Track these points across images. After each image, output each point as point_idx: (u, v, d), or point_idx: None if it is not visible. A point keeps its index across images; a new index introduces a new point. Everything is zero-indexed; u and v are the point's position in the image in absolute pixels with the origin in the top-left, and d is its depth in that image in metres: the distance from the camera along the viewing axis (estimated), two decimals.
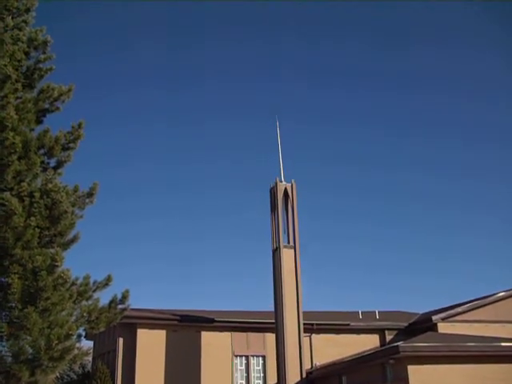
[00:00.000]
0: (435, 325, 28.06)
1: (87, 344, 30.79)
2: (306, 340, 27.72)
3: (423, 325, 28.92)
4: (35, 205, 11.99)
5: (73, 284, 13.21)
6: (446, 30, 75.86)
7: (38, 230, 11.91)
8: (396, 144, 79.35)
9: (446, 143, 75.51)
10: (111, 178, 73.19)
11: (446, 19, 74.13)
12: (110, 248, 78.51)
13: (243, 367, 28.73)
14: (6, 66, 12.74)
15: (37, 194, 12.16)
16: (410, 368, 20.49)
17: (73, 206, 13.49)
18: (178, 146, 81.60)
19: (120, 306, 14.25)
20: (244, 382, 28.47)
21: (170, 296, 73.04)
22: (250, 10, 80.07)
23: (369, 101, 78.78)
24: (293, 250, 27.31)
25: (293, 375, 25.48)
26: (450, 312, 28.70)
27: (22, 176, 12.59)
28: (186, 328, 28.37)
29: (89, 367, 31.63)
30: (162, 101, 79.25)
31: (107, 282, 14.19)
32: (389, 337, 30.08)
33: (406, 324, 30.46)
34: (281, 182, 28.40)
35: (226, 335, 28.79)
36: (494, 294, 29.21)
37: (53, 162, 14.23)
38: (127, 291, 14.30)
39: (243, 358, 28.85)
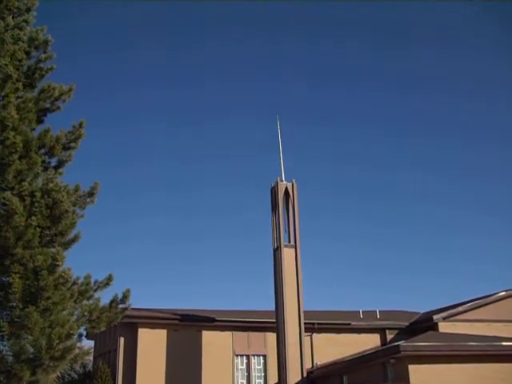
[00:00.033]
0: (436, 324, 28.06)
1: (88, 343, 30.79)
2: (306, 339, 27.71)
3: (424, 324, 28.93)
4: (36, 204, 11.99)
5: (74, 283, 13.22)
6: (446, 29, 75.97)
7: (38, 230, 11.91)
8: (396, 144, 79.49)
9: (446, 143, 75.62)
10: (112, 177, 73.36)
11: (446, 19, 74.22)
12: (111, 247, 78.56)
13: (244, 366, 28.73)
14: (6, 65, 12.74)
15: (38, 194, 12.16)
16: (411, 367, 20.49)
17: (74, 205, 13.49)
18: (178, 146, 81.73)
19: (121, 306, 14.25)
20: (245, 381, 28.48)
21: (171, 295, 73.14)
22: (250, 10, 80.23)
23: (369, 101, 78.90)
24: (293, 250, 27.31)
25: (294, 374, 25.48)
26: (451, 311, 28.70)
27: (23, 175, 12.59)
28: (186, 327, 28.38)
29: (90, 367, 31.64)
30: (162, 101, 79.37)
31: (108, 281, 14.19)
32: (390, 336, 30.08)
33: (406, 323, 30.46)
34: (281, 181, 28.39)
35: (227, 334, 28.79)
36: (495, 294, 29.20)
37: (54, 162, 14.23)
38: (128, 291, 14.30)
39: (244, 357, 28.86)
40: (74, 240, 13.73)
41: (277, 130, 29.80)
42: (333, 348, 28.78)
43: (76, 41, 70.08)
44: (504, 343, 22.05)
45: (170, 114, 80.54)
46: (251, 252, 79.78)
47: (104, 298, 14.12)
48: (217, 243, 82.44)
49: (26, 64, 14.06)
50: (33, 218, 11.76)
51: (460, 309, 28.76)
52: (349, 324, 30.11)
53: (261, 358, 28.98)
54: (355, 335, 30.04)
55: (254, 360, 28.90)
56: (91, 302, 13.83)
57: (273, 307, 27.33)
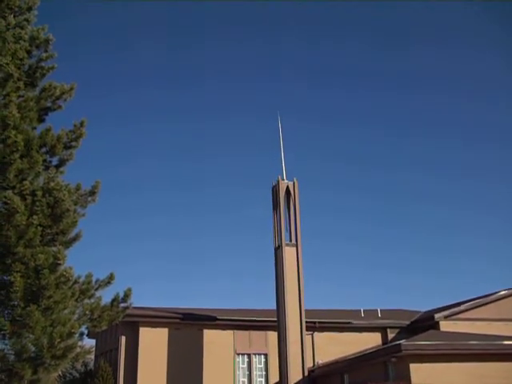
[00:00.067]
0: (437, 323, 28.05)
1: (89, 342, 30.86)
2: (308, 338, 27.72)
3: (425, 323, 28.93)
4: (37, 203, 12.00)
5: (75, 282, 13.24)
6: (446, 29, 75.85)
7: (40, 229, 11.92)
8: (396, 144, 79.42)
9: (446, 143, 75.56)
10: (113, 175, 73.29)
11: (446, 19, 74.12)
12: (112, 246, 78.56)
13: (245, 365, 28.76)
14: (8, 64, 12.75)
15: (39, 193, 12.17)
16: (412, 366, 20.48)
17: (75, 204, 13.51)
18: (180, 144, 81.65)
19: (122, 305, 14.26)
20: (246, 380, 28.50)
21: (173, 294, 73.18)
22: (250, 10, 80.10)
23: (369, 101, 78.80)
24: (295, 248, 27.32)
25: (295, 373, 25.49)
26: (452, 310, 28.70)
27: (24, 174, 12.60)
28: (188, 326, 28.41)
29: (91, 365, 31.71)
30: (162, 101, 79.35)
31: (109, 280, 14.20)
32: (391, 335, 30.11)
33: (408, 322, 30.48)
34: (283, 180, 28.40)
35: (229, 333, 28.82)
36: (497, 293, 29.20)
37: (55, 161, 14.24)
38: (129, 289, 14.31)
39: (245, 356, 28.89)
40: (75, 239, 13.75)
41: (278, 126, 29.79)
42: (334, 347, 28.79)
43: (76, 40, 70.09)
44: (505, 342, 22.03)
45: (170, 113, 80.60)
46: (253, 251, 79.87)
47: (105, 296, 14.16)
48: (218, 242, 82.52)
49: (27, 63, 14.06)
50: (34, 216, 11.78)
51: (461, 308, 28.76)
52: (350, 323, 30.13)
53: (262, 356, 29.01)
54: (356, 334, 30.05)
55: (255, 359, 28.92)
56: (92, 300, 13.85)
57: (274, 306, 27.36)
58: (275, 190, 28.52)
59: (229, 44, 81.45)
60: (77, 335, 12.35)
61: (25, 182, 12.42)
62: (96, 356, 31.84)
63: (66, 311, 12.51)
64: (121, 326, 26.53)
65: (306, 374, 25.74)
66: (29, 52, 13.98)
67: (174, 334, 28.03)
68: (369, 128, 77.47)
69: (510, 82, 73.80)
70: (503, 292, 29.17)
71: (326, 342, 29.30)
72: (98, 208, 14.56)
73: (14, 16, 14.21)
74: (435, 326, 27.97)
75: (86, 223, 14.57)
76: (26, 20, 14.42)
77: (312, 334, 29.10)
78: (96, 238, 70.92)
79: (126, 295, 14.24)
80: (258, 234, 69.73)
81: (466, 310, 28.65)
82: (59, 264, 11.55)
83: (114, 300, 14.15)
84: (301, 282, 26.78)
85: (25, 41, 13.76)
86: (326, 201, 73.98)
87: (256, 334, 29.12)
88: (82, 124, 14.36)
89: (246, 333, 29.04)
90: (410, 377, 20.27)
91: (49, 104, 14.42)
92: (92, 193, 14.24)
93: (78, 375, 30.32)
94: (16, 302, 11.90)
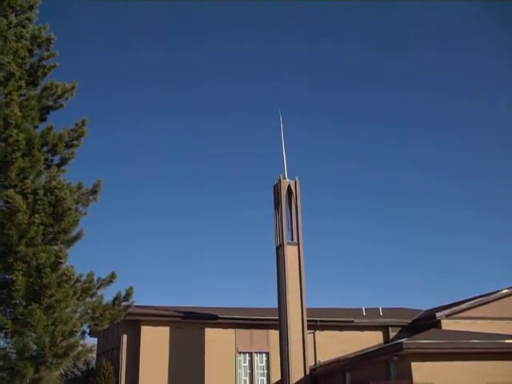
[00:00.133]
0: (439, 322, 28.04)
1: (91, 341, 30.88)
2: (309, 337, 27.72)
3: (427, 322, 28.92)
4: (39, 202, 12.01)
5: (77, 281, 13.25)
6: (446, 29, 75.82)
7: (41, 227, 11.93)
8: (396, 144, 79.49)
9: (446, 143, 75.60)
10: (114, 175, 73.40)
11: (446, 19, 74.07)
12: (113, 245, 78.76)
13: (247, 364, 28.77)
14: (9, 63, 12.76)
15: (41, 192, 12.18)
16: (414, 365, 20.46)
17: (76, 203, 13.52)
18: (180, 144, 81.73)
19: (124, 303, 14.26)
20: (248, 378, 28.52)
21: (174, 293, 73.37)
22: (250, 10, 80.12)
23: (369, 101, 78.84)
24: (296, 247, 27.29)
25: (296, 372, 25.49)
26: (453, 309, 28.67)
27: (26, 173, 12.61)
28: (189, 325, 28.43)
29: (93, 364, 31.71)
30: (162, 101, 79.39)
31: (111, 279, 14.21)
32: (392, 334, 30.10)
33: (409, 321, 30.47)
34: (284, 179, 28.38)
35: (230, 332, 28.83)
36: (498, 291, 29.17)
37: (56, 160, 14.27)
38: (131, 288, 14.30)
39: (247, 354, 28.90)
40: (76, 238, 13.76)
41: (279, 125, 29.73)
42: (336, 345, 28.80)
43: (76, 40, 70.14)
44: (507, 341, 21.99)
45: (170, 113, 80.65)
46: (253, 250, 79.99)
47: (107, 295, 14.17)
48: (218, 241, 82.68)
49: (29, 62, 14.08)
50: (36, 215, 11.79)
51: (463, 306, 28.73)
52: (352, 321, 30.11)
53: (263, 355, 29.01)
54: (358, 332, 30.05)
55: (256, 357, 28.93)
56: (94, 299, 13.86)
57: (275, 304, 27.36)
58: (277, 189, 28.50)
59: (229, 44, 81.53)
60: (78, 334, 12.37)
61: (26, 181, 12.44)
62: (98, 355, 31.85)
63: (67, 310, 12.53)
64: (122, 324, 26.57)
65: (308, 372, 25.72)
66: (30, 51, 14.00)
67: (176, 332, 28.05)
68: (369, 128, 77.59)
69: (510, 82, 73.86)
70: (505, 291, 29.14)
71: (328, 340, 29.31)
72: (98, 207, 14.58)
73: (16, 15, 14.22)
74: (437, 324, 27.95)
75: (87, 222, 14.59)
76: (28, 19, 14.43)
77: (313, 333, 29.11)
78: (97, 237, 71.14)
79: (128, 294, 14.24)
80: (259, 234, 69.81)
81: (468, 309, 28.63)
82: (61, 263, 11.58)
83: (115, 299, 14.15)
84: (302, 281, 26.77)
85: (26, 40, 13.78)
86: (326, 200, 74.15)
87: (257, 333, 29.12)
88: (83, 123, 14.37)
89: (248, 331, 29.04)
90: (411, 375, 20.25)
91: (50, 103, 14.44)
92: (93, 192, 14.24)
93: (79, 374, 30.36)
94: (18, 301, 11.91)
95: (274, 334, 27.79)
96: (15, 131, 12.04)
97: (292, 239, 27.58)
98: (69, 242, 13.46)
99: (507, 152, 71.11)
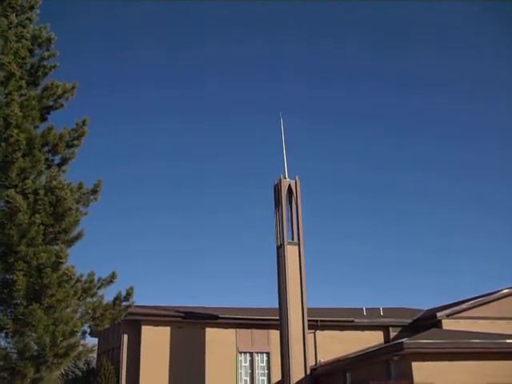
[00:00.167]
0: (439, 321, 28.04)
1: (92, 341, 30.86)
2: (310, 336, 27.69)
3: (427, 321, 28.91)
4: (40, 202, 12.02)
5: (77, 281, 13.25)
6: (446, 29, 75.75)
7: (42, 227, 11.93)
8: (396, 144, 79.42)
9: (446, 143, 75.53)
10: (114, 175, 73.33)
11: (446, 19, 74.01)
12: (113, 245, 78.66)
13: (247, 364, 28.77)
14: (10, 63, 12.77)
15: (41, 191, 12.18)
16: (414, 365, 20.46)
17: (77, 203, 13.52)
18: (180, 144, 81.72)
19: (124, 303, 14.26)
20: (248, 378, 28.52)
21: (175, 293, 73.26)
22: (250, 10, 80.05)
23: (369, 101, 78.75)
24: (297, 247, 27.28)
25: (297, 372, 25.49)
26: (454, 309, 28.66)
27: (27, 173, 12.62)
28: (190, 325, 28.43)
29: (93, 364, 31.72)
30: (162, 101, 79.36)
31: (112, 278, 14.21)
32: (393, 333, 30.09)
33: (410, 321, 30.46)
34: (285, 178, 28.38)
35: (231, 332, 28.83)
36: (499, 291, 29.16)
37: (57, 159, 14.28)
38: (132, 288, 14.30)
39: (247, 354, 28.90)
40: (77, 237, 13.76)
41: (280, 125, 29.74)
42: (336, 345, 28.79)
43: (76, 40, 70.11)
44: (507, 341, 21.98)
45: (170, 113, 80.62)
46: (254, 249, 79.91)
47: (108, 295, 14.16)
48: (218, 241, 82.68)
49: (30, 62, 14.08)
50: (36, 215, 11.79)
51: (463, 306, 28.72)
52: (352, 321, 30.11)
53: (264, 355, 29.02)
54: (358, 332, 30.05)
55: (257, 357, 28.93)
56: (95, 299, 13.85)
57: (276, 304, 27.35)
58: (277, 189, 28.50)
59: (229, 44, 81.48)
60: (79, 334, 12.37)
61: (27, 181, 12.44)
62: (98, 354, 31.87)
63: (68, 310, 12.53)
64: (123, 324, 26.56)
65: (308, 372, 25.72)
66: (31, 51, 14.00)
67: (176, 332, 28.05)
68: (369, 128, 77.52)
69: (510, 82, 73.80)
70: (506, 290, 29.13)
71: (328, 340, 29.30)
72: (98, 207, 14.58)
73: (16, 15, 14.23)
74: (437, 324, 27.95)
75: (88, 222, 14.56)
76: (28, 19, 14.44)
77: (314, 333, 29.10)
78: (97, 237, 71.10)
79: (128, 294, 14.24)
80: (259, 234, 69.78)
81: (469, 309, 28.62)
82: (61, 263, 11.58)
83: (116, 298, 14.15)
84: (303, 281, 26.76)
85: (27, 40, 13.78)
86: (326, 200, 74.06)
87: (258, 333, 29.12)
88: (84, 122, 14.38)
89: (248, 331, 29.05)
90: (412, 375, 20.25)
91: (51, 103, 14.44)
92: (94, 191, 14.24)
93: (80, 374, 30.36)
94: (18, 301, 11.92)
95: (275, 334, 27.80)
96: (16, 131, 12.04)
97: (292, 239, 27.57)
98: (69, 242, 13.46)
99: (507, 152, 71.16)
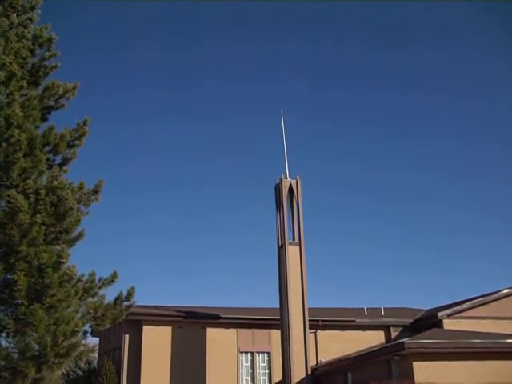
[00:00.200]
0: (441, 321, 28.04)
1: (93, 341, 30.90)
2: (311, 336, 27.71)
3: (428, 321, 28.91)
4: (41, 202, 12.01)
5: (78, 281, 13.24)
6: (446, 29, 75.79)
7: (43, 227, 11.93)
8: (396, 144, 79.52)
9: (446, 143, 75.58)
10: (114, 175, 73.44)
11: (446, 19, 74.04)
12: (113, 245, 78.82)
13: (248, 364, 28.78)
14: (11, 63, 12.76)
15: (42, 191, 12.18)
16: (416, 364, 20.47)
17: (78, 202, 13.52)
18: (180, 144, 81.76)
19: (126, 303, 14.25)
20: (249, 378, 28.53)
21: (176, 292, 73.37)
22: (250, 10, 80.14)
23: (369, 101, 78.84)
24: (298, 247, 27.28)
25: (298, 371, 25.49)
26: (455, 308, 28.66)
27: (28, 173, 12.62)
28: (191, 324, 28.45)
29: (95, 364, 31.76)
30: (162, 101, 79.42)
31: (113, 278, 14.20)
32: (394, 333, 30.08)
33: (411, 320, 30.45)
34: (286, 178, 28.38)
35: (232, 332, 28.84)
36: (500, 291, 29.15)
37: (58, 159, 14.27)
38: (133, 288, 14.29)
39: (248, 354, 28.91)
40: (78, 237, 13.76)
41: (281, 125, 29.74)
42: (337, 345, 28.80)
43: (76, 40, 70.21)
44: (508, 340, 21.98)
45: (170, 113, 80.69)
46: (255, 249, 79.97)
47: (109, 295, 14.15)
48: (219, 241, 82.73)
49: (31, 62, 14.06)
50: (37, 215, 11.79)
51: (464, 306, 28.72)
52: (353, 321, 30.11)
53: (265, 355, 29.03)
54: (360, 332, 30.05)
55: (258, 357, 28.94)
56: (96, 299, 13.85)
57: (277, 304, 27.35)
58: (278, 189, 28.49)
59: (229, 44, 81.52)
60: (80, 333, 12.36)
61: (28, 181, 12.44)
62: (99, 354, 31.90)
63: (69, 310, 12.52)
64: (124, 324, 26.59)
65: (309, 372, 25.73)
66: (32, 51, 13.98)
67: (177, 332, 28.07)
68: (369, 128, 77.59)
69: (510, 82, 73.84)
70: (506, 290, 29.12)
71: (329, 340, 29.30)
72: (98, 207, 14.59)
73: (17, 15, 14.22)
74: (438, 324, 27.95)
75: (88, 222, 14.58)
76: (29, 19, 14.42)
77: (315, 333, 29.09)
78: (98, 237, 71.17)
79: (130, 294, 14.23)
80: (259, 234, 69.85)
81: (470, 309, 28.62)
82: (62, 262, 11.57)
83: (117, 298, 14.15)
84: (304, 281, 26.77)
85: (28, 40, 13.77)
86: (326, 200, 74.14)
87: (259, 333, 29.13)
88: (85, 123, 14.37)
89: (250, 331, 29.06)
90: (413, 375, 20.26)
91: (52, 103, 14.43)
92: (95, 191, 14.23)
93: (81, 373, 30.39)
94: (19, 301, 11.91)
95: (276, 334, 27.81)
96: (17, 131, 12.04)
97: (293, 239, 27.57)
98: (70, 242, 13.46)
99: (507, 152, 71.19)
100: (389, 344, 27.10)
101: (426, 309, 32.85)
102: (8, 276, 12.12)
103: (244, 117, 77.56)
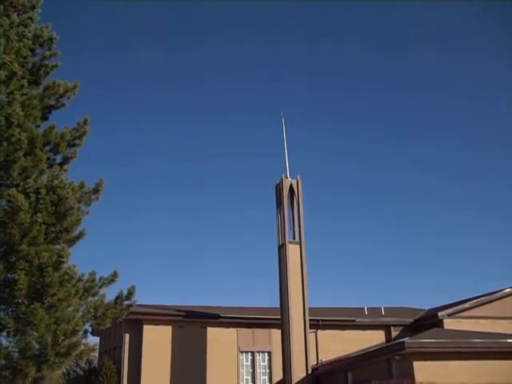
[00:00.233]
0: (441, 321, 28.03)
1: (93, 340, 30.95)
2: (311, 336, 27.72)
3: (429, 321, 28.90)
4: (41, 201, 12.01)
5: (79, 280, 13.24)
6: (446, 30, 75.83)
7: (44, 227, 11.93)
8: (396, 144, 79.58)
9: (446, 143, 75.65)
10: (114, 174, 73.49)
11: (446, 19, 74.07)
12: (114, 244, 78.88)
13: (249, 363, 28.79)
14: (11, 62, 12.76)
15: (43, 191, 12.18)
16: (416, 364, 20.47)
17: (79, 202, 13.52)
18: (180, 144, 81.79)
19: (126, 302, 14.25)
20: (250, 377, 28.53)
21: (176, 292, 73.40)
22: (250, 10, 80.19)
23: (369, 101, 78.90)
24: (298, 246, 27.28)
25: (298, 371, 25.49)
26: (456, 308, 28.65)
27: (28, 172, 12.61)
28: (191, 324, 28.45)
29: (95, 363, 31.78)
30: (162, 101, 79.46)
31: (113, 278, 14.20)
32: (394, 333, 30.09)
33: (411, 320, 30.45)
34: (286, 178, 28.37)
35: (232, 331, 28.84)
36: (500, 291, 29.13)
37: (59, 159, 14.26)
38: (133, 287, 14.29)
39: (249, 353, 28.91)
40: (78, 237, 13.76)
41: (281, 125, 29.77)
42: (337, 344, 28.81)
43: (76, 39, 70.25)
44: (509, 340, 21.97)
45: (170, 113, 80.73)
46: (255, 249, 79.96)
47: (109, 294, 14.16)
48: (219, 241, 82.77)
49: (31, 61, 14.07)
50: (38, 214, 11.78)
51: (465, 305, 28.71)
52: (353, 321, 30.12)
53: (266, 354, 29.03)
54: (360, 332, 30.05)
55: (258, 356, 28.95)
56: (96, 298, 13.84)
57: (277, 304, 27.35)
58: (279, 188, 28.49)
59: (229, 44, 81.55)
60: (81, 333, 12.37)
61: (29, 180, 12.44)
62: (100, 354, 31.90)
63: (69, 309, 12.53)
64: (124, 323, 26.59)
65: (310, 371, 25.73)
66: (32, 50, 13.98)
67: (178, 331, 28.07)
68: (369, 128, 77.66)
69: (510, 82, 73.88)
70: (507, 290, 29.10)
71: (330, 339, 29.31)
72: (98, 206, 14.61)
73: (18, 14, 14.21)
74: (439, 323, 27.94)
75: (89, 222, 14.59)
76: (30, 18, 14.41)
77: (315, 332, 29.09)
78: (98, 237, 71.22)
79: (130, 293, 14.22)
80: (260, 234, 69.88)
81: (470, 308, 28.61)
82: (63, 262, 11.57)
83: (117, 298, 14.15)
84: (304, 280, 26.76)
85: (28, 39, 13.77)
86: (327, 200, 74.20)
87: (259, 332, 29.13)
88: (85, 122, 14.37)
89: (250, 331, 29.06)
90: (413, 375, 20.26)
91: (52, 102, 14.42)
92: (96, 191, 14.23)
93: (82, 373, 30.41)
94: (20, 300, 11.92)
95: (276, 334, 27.81)
96: (17, 130, 12.04)
97: (294, 238, 27.57)
98: (71, 241, 13.46)
99: (507, 152, 71.23)
100: (389, 344, 27.10)
101: (427, 309, 32.85)
102: (8, 275, 12.12)
103: (244, 117, 77.69)
